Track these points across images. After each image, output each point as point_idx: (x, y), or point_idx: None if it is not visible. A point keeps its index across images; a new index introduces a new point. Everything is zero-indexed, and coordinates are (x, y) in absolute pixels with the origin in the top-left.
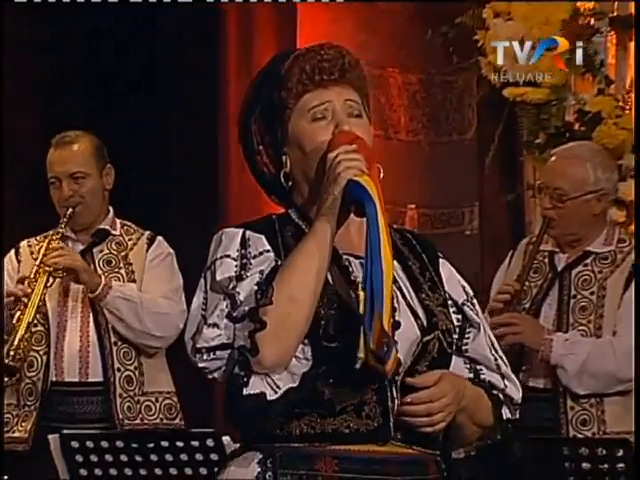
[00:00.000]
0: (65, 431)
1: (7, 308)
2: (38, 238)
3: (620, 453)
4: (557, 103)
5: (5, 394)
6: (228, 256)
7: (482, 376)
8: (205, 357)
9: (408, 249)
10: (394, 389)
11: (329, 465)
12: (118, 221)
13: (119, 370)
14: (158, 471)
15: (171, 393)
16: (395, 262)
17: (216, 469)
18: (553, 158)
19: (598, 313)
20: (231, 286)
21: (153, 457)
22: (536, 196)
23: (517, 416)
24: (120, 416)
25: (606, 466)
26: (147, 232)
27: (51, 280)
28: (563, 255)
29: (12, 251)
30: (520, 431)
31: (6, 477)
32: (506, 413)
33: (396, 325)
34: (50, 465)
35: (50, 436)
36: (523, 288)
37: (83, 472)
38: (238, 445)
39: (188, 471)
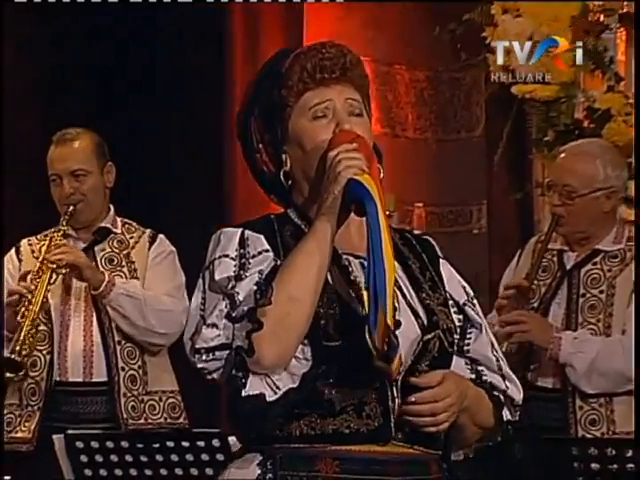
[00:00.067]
0: (69, 431)
1: (11, 306)
2: (39, 237)
3: (629, 453)
4: (566, 100)
5: (7, 394)
6: (227, 256)
7: (484, 377)
8: (204, 357)
9: (408, 249)
10: (395, 389)
11: (330, 466)
12: (119, 219)
13: (123, 369)
14: (163, 471)
15: (175, 392)
16: (395, 262)
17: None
18: (562, 155)
19: (607, 312)
20: (230, 286)
21: (158, 457)
22: (545, 194)
23: (517, 418)
24: (124, 416)
25: (615, 466)
26: (148, 230)
27: (54, 277)
28: (572, 253)
29: (12, 250)
30: (521, 432)
31: (8, 477)
32: (507, 415)
33: (397, 324)
34: (54, 465)
35: (55, 436)
36: (532, 287)
37: (88, 472)
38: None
39: (194, 471)
